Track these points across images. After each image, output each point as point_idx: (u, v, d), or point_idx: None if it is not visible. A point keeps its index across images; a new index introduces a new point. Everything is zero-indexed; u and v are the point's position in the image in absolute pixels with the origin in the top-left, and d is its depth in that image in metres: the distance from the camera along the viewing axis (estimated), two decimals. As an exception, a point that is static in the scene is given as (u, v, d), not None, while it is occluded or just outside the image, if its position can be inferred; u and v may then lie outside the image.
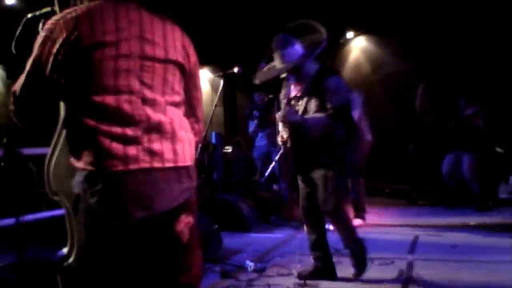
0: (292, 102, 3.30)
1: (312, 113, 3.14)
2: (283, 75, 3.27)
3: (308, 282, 3.24)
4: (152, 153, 1.54)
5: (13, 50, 1.88)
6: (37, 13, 1.84)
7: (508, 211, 5.61)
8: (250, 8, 7.18)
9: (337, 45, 8.42)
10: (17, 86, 1.57)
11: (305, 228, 3.46)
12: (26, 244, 3.10)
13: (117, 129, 1.51)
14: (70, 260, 1.74)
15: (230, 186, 6.71)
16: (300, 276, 3.31)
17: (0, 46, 3.48)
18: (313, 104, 3.15)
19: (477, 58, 6.67)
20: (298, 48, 3.19)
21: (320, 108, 3.11)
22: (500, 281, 3.18)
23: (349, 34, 8.24)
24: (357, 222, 5.26)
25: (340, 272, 3.35)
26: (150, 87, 1.59)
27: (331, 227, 5.03)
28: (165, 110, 1.61)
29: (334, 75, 3.18)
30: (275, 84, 3.52)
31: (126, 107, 1.53)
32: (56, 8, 1.76)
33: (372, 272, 3.47)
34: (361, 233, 4.83)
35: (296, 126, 3.18)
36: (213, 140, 6.75)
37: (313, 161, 3.20)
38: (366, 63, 8.17)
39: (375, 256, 3.82)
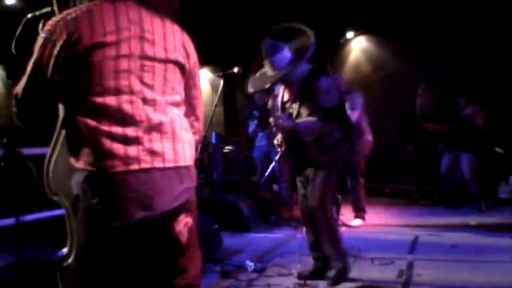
0: (287, 105, 3.30)
1: (305, 116, 3.13)
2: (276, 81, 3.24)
3: (308, 282, 3.24)
4: (153, 153, 1.55)
5: (13, 50, 1.88)
6: (37, 13, 1.84)
7: (508, 211, 5.61)
8: (250, 8, 7.18)
9: (337, 45, 8.41)
10: (19, 88, 1.57)
11: (304, 228, 3.46)
12: (26, 244, 3.10)
13: (117, 130, 1.51)
14: (70, 260, 1.74)
15: (230, 186, 6.70)
16: (300, 276, 3.31)
17: (0, 46, 3.48)
18: (306, 107, 3.14)
19: (478, 58, 6.66)
20: (286, 53, 3.14)
21: (313, 110, 3.09)
22: (500, 281, 3.18)
23: (349, 34, 8.23)
24: (357, 222, 5.27)
25: (340, 272, 3.35)
26: (151, 87, 1.59)
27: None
28: (165, 110, 1.61)
29: (325, 76, 3.14)
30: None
31: (127, 107, 1.53)
32: (55, 8, 1.76)
33: (372, 272, 3.47)
34: (361, 233, 4.87)
35: (289, 130, 3.18)
36: (213, 140, 6.75)
37: (307, 162, 3.20)
38: (366, 63, 8.16)
39: (375, 256, 3.83)
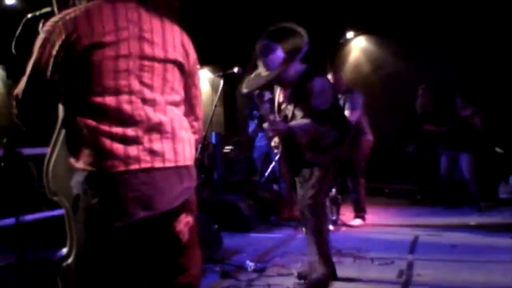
0: (282, 107, 3.30)
1: (299, 118, 3.11)
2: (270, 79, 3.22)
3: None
4: (153, 153, 1.55)
5: (13, 50, 1.88)
6: (37, 13, 1.85)
7: (508, 211, 5.60)
8: (250, 8, 7.18)
9: (337, 45, 8.42)
10: (19, 89, 1.57)
11: (304, 228, 3.45)
12: (26, 244, 3.10)
13: (117, 130, 1.51)
14: (70, 260, 1.74)
15: (230, 186, 6.71)
16: (300, 276, 3.31)
17: (0, 46, 3.48)
18: (300, 108, 3.12)
19: (478, 58, 6.66)
20: (280, 54, 3.11)
21: (308, 112, 3.07)
22: (500, 281, 3.18)
23: (349, 34, 8.23)
24: (357, 222, 5.27)
25: (340, 272, 3.35)
26: (150, 87, 1.59)
27: (331, 227, 5.06)
28: (165, 109, 1.61)
29: (318, 77, 3.10)
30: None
31: (126, 107, 1.53)
32: (55, 8, 1.76)
33: (372, 272, 3.47)
34: (361, 233, 4.87)
35: (283, 133, 3.17)
36: (213, 140, 6.75)
37: (304, 163, 3.19)
38: (366, 63, 8.16)
39: (375, 256, 3.83)
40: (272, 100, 3.54)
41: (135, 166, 1.51)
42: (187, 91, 1.75)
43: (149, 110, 1.57)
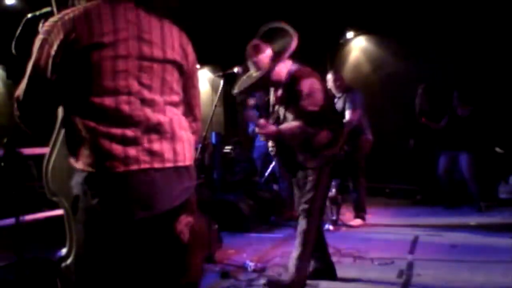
0: (275, 108, 3.29)
1: (290, 120, 3.10)
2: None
3: (308, 282, 3.24)
4: (152, 153, 1.55)
5: (13, 50, 1.88)
6: (37, 13, 1.85)
7: (508, 211, 5.60)
8: (250, 8, 7.18)
9: (337, 45, 8.42)
10: (20, 91, 1.57)
11: None
12: (26, 244, 3.10)
13: (116, 130, 1.51)
14: (69, 260, 1.74)
15: (230, 186, 6.70)
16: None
17: (0, 46, 3.48)
18: (291, 110, 3.11)
19: (478, 58, 6.67)
20: (269, 54, 3.10)
21: (298, 114, 3.05)
22: (500, 281, 3.18)
23: (349, 34, 8.24)
24: (357, 222, 5.27)
25: (340, 272, 3.35)
26: (149, 88, 1.59)
27: (331, 227, 5.06)
28: (164, 110, 1.61)
29: (307, 79, 3.04)
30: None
31: (125, 108, 1.53)
32: (54, 8, 1.76)
33: (372, 272, 3.47)
34: (361, 233, 4.87)
35: (273, 136, 3.16)
36: (213, 140, 6.75)
37: (298, 165, 3.17)
38: (366, 63, 8.16)
39: (375, 256, 3.83)
40: (266, 103, 3.54)
41: (134, 167, 1.51)
42: (186, 91, 1.75)
43: (148, 110, 1.57)
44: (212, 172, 6.64)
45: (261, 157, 6.42)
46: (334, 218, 5.15)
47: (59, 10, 1.71)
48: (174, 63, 1.66)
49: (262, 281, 3.29)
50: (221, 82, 3.93)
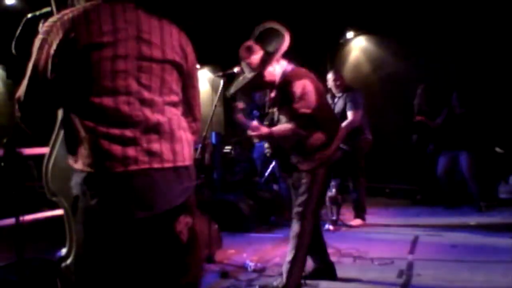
0: (270, 110, 3.28)
1: (284, 122, 3.09)
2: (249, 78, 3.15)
3: (308, 282, 3.24)
4: (151, 153, 1.54)
5: (13, 50, 1.88)
6: (37, 13, 1.85)
7: (508, 211, 5.60)
8: (250, 8, 7.18)
9: (337, 45, 8.42)
10: (21, 92, 1.57)
11: None
12: (26, 244, 3.10)
13: (115, 131, 1.51)
14: (69, 260, 1.74)
15: (230, 186, 6.70)
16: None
17: (0, 46, 3.48)
18: (284, 112, 3.09)
19: (478, 57, 6.67)
20: (261, 54, 3.06)
21: (291, 116, 3.03)
22: (500, 281, 3.18)
23: (349, 34, 8.24)
24: (357, 222, 5.27)
25: (340, 272, 3.35)
26: (148, 88, 1.59)
27: (330, 227, 5.06)
28: (163, 110, 1.61)
29: (300, 80, 3.00)
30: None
31: (124, 108, 1.53)
32: (54, 8, 1.76)
33: (372, 272, 3.47)
34: (361, 233, 4.87)
35: (265, 138, 3.15)
36: (213, 140, 6.75)
37: (292, 166, 3.15)
38: (366, 63, 8.16)
39: (375, 256, 3.83)
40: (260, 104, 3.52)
41: (133, 167, 1.51)
42: (185, 91, 1.75)
43: (147, 111, 1.56)
44: (212, 172, 6.64)
45: (261, 157, 6.42)
46: (334, 218, 5.15)
47: (58, 10, 1.71)
48: (173, 63, 1.66)
49: (257, 287, 3.26)
50: (221, 82, 3.93)
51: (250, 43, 3.10)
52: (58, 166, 1.73)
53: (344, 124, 5.03)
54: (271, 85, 3.16)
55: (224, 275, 3.47)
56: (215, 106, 3.99)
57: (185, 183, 1.64)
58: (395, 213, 6.04)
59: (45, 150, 1.80)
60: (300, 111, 2.98)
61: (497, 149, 6.30)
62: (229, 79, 3.98)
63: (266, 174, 6.07)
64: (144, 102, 1.56)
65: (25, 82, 1.55)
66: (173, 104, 1.66)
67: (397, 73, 7.50)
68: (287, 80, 3.05)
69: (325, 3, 7.08)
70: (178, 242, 1.64)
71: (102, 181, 1.49)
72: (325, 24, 7.64)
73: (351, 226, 5.18)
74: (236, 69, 3.80)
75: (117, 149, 1.50)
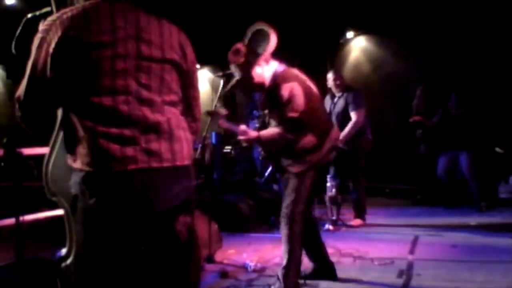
0: (263, 112, 3.27)
1: (273, 125, 3.08)
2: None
3: (308, 282, 3.24)
4: (150, 153, 1.54)
5: (13, 50, 1.88)
6: (37, 13, 1.85)
7: (508, 211, 5.60)
8: (250, 8, 7.18)
9: (337, 45, 8.41)
10: (20, 91, 1.57)
11: None
12: (26, 244, 3.10)
13: (114, 130, 1.51)
14: (69, 260, 1.74)
15: (230, 186, 6.70)
16: (300, 276, 3.31)
17: (0, 46, 3.47)
18: (274, 116, 3.08)
19: (478, 58, 6.67)
20: (248, 57, 3.03)
21: (280, 120, 3.02)
22: (500, 281, 3.18)
23: (349, 34, 8.23)
24: (357, 222, 5.26)
25: (340, 272, 3.35)
26: (147, 87, 1.59)
27: (330, 227, 5.06)
28: (162, 109, 1.61)
29: (288, 83, 2.97)
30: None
31: (123, 107, 1.53)
32: (53, 8, 1.76)
33: (372, 272, 3.47)
34: (361, 233, 4.87)
35: (253, 142, 3.14)
36: (213, 140, 6.74)
37: (283, 169, 3.15)
38: (366, 63, 8.16)
39: (375, 256, 3.83)
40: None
41: (132, 166, 1.51)
42: (185, 91, 1.75)
43: (146, 110, 1.56)
44: (212, 172, 6.64)
45: (261, 157, 6.41)
46: (334, 218, 5.15)
47: (58, 10, 1.71)
48: (173, 62, 1.66)
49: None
50: (221, 82, 3.93)
51: (238, 45, 3.08)
52: (58, 166, 1.73)
53: (349, 125, 5.03)
54: (261, 87, 3.13)
55: (224, 275, 3.47)
56: (215, 106, 3.98)
57: (184, 182, 1.64)
58: (395, 213, 6.04)
59: (45, 150, 1.80)
60: (287, 115, 2.95)
61: (497, 149, 6.30)
62: (229, 79, 3.98)
63: (266, 174, 6.07)
64: (143, 101, 1.56)
65: (24, 81, 1.55)
66: (173, 104, 1.66)
67: (397, 73, 7.50)
68: (275, 83, 3.02)
69: (325, 3, 7.08)
70: (177, 241, 1.64)
71: (101, 180, 1.49)
72: (325, 24, 7.63)
73: (351, 226, 5.18)
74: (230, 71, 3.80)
75: (116, 148, 1.50)
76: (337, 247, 4.05)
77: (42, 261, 2.93)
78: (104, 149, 1.49)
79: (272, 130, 3.07)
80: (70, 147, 1.56)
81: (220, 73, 3.99)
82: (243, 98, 9.04)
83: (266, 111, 3.20)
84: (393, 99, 7.39)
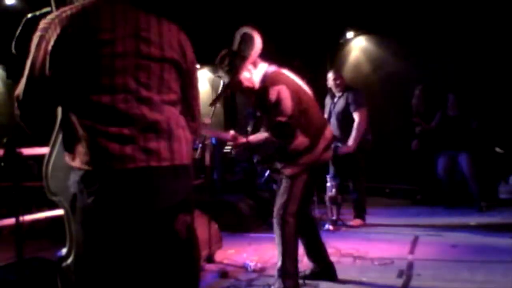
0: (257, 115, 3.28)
1: (263, 129, 3.07)
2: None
3: (308, 282, 3.24)
4: (148, 152, 1.54)
5: (13, 50, 1.88)
6: (37, 13, 1.85)
7: (508, 211, 5.60)
8: (250, 8, 7.18)
9: (337, 45, 8.41)
10: (19, 90, 1.56)
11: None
12: (26, 244, 3.10)
13: (113, 129, 1.51)
14: (69, 260, 1.74)
15: (230, 186, 6.69)
16: (300, 276, 3.31)
17: (0, 46, 3.48)
18: (264, 120, 3.07)
19: (478, 58, 6.67)
20: (234, 62, 3.02)
21: (268, 124, 3.01)
22: (500, 281, 3.18)
23: (349, 34, 8.23)
24: (357, 222, 5.26)
25: (340, 272, 3.35)
26: (146, 86, 1.58)
27: (330, 227, 5.06)
28: (161, 109, 1.60)
29: (275, 86, 2.94)
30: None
31: (122, 106, 1.52)
32: (53, 7, 1.76)
33: (372, 272, 3.47)
34: (361, 233, 4.87)
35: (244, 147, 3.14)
36: (213, 140, 6.74)
37: (277, 171, 3.13)
38: (366, 63, 8.16)
39: (375, 256, 3.83)
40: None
41: (130, 165, 1.50)
42: (184, 90, 1.74)
43: (145, 109, 1.56)
44: (212, 172, 6.63)
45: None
46: (334, 218, 5.15)
47: (57, 8, 1.71)
48: (172, 61, 1.66)
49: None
50: (221, 82, 3.93)
51: (223, 51, 3.06)
52: (58, 166, 1.72)
53: (354, 128, 5.01)
54: (251, 91, 3.11)
55: (224, 275, 3.47)
56: (215, 106, 3.97)
57: (183, 181, 1.64)
58: (395, 213, 6.04)
59: (45, 150, 1.80)
60: (275, 119, 2.94)
61: (497, 149, 6.30)
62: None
63: (266, 174, 6.07)
64: (142, 100, 1.56)
65: (23, 80, 1.55)
66: (172, 103, 1.66)
67: (397, 73, 7.50)
68: (264, 86, 3.00)
69: (325, 3, 7.08)
70: (176, 240, 1.64)
71: (99, 179, 1.49)
72: (325, 24, 7.63)
73: (351, 226, 5.18)
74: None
75: (114, 147, 1.49)
76: (337, 247, 4.05)
77: (42, 261, 2.93)
78: (103, 147, 1.49)
79: (261, 135, 3.07)
80: (69, 146, 1.56)
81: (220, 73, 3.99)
82: (244, 98, 9.03)
83: (258, 114, 3.19)
84: (393, 99, 7.39)
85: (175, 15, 1.85)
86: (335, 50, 8.43)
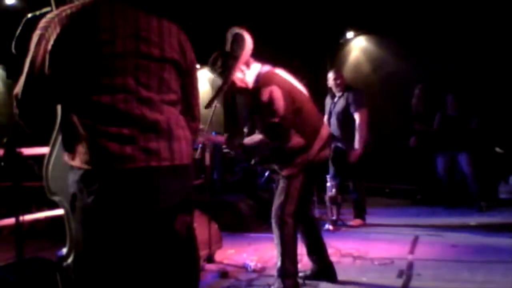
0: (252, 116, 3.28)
1: (258, 131, 3.07)
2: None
3: (308, 282, 3.24)
4: (148, 152, 1.54)
5: (13, 50, 1.88)
6: (37, 13, 1.85)
7: (508, 211, 5.60)
8: (250, 9, 7.18)
9: (337, 45, 8.41)
10: (18, 89, 1.56)
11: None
12: (26, 244, 3.10)
13: (113, 129, 1.51)
14: (69, 260, 1.74)
15: (230, 186, 6.69)
16: (300, 276, 3.31)
17: (0, 46, 3.47)
18: (258, 121, 3.07)
19: (478, 58, 6.67)
20: (227, 63, 3.01)
21: (262, 126, 3.00)
22: (500, 281, 3.18)
23: (349, 34, 8.23)
24: (357, 222, 5.26)
25: (340, 272, 3.35)
26: (146, 86, 1.58)
27: (330, 227, 5.06)
28: (161, 109, 1.60)
29: (267, 87, 2.92)
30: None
31: (122, 106, 1.52)
32: (53, 7, 1.76)
33: (372, 272, 3.47)
34: (361, 233, 4.87)
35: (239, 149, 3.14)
36: (212, 141, 6.73)
37: (275, 171, 3.13)
38: (366, 63, 8.16)
39: (375, 256, 3.83)
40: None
41: (130, 165, 1.50)
42: (184, 90, 1.75)
43: (145, 109, 1.56)
44: (212, 172, 6.63)
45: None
46: (334, 218, 5.14)
47: (57, 8, 1.71)
48: (172, 61, 1.66)
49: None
50: (221, 82, 3.93)
51: (215, 53, 3.05)
52: (58, 166, 1.73)
53: (357, 130, 5.00)
54: (245, 91, 3.10)
55: (224, 275, 3.47)
56: (215, 106, 3.97)
57: (183, 181, 1.64)
58: (395, 213, 6.04)
59: (45, 150, 1.80)
60: (268, 120, 2.93)
61: (497, 149, 6.29)
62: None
63: (266, 174, 6.07)
64: (142, 100, 1.56)
65: (22, 79, 1.55)
66: (172, 103, 1.66)
67: (397, 73, 7.50)
68: (257, 87, 2.99)
69: (325, 3, 7.08)
70: (176, 240, 1.64)
71: (99, 178, 1.49)
72: (325, 24, 7.63)
73: (351, 226, 5.18)
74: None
75: (114, 147, 1.49)
76: (337, 247, 4.05)
77: (42, 261, 2.93)
78: (103, 147, 1.49)
79: (256, 136, 3.06)
80: (69, 145, 1.56)
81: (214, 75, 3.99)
82: (243, 98, 9.02)
83: (253, 117, 3.19)
84: (393, 99, 7.39)
85: (175, 15, 1.85)
86: (335, 50, 8.43)
